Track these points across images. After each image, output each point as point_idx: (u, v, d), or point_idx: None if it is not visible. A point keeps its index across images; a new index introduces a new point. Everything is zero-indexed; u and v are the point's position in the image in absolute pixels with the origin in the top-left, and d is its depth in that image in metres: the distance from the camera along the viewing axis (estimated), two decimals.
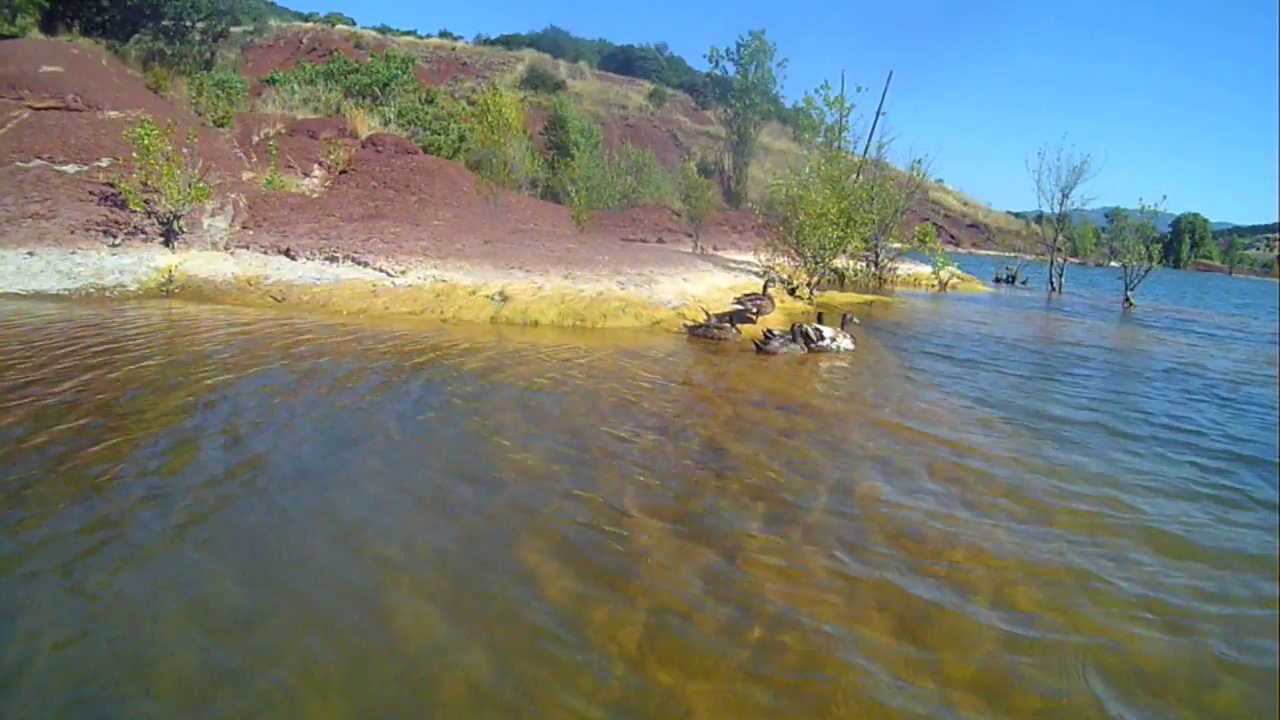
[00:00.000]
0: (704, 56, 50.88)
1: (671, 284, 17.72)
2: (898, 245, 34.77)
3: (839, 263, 28.04)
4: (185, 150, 17.14)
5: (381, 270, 16.52)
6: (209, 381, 9.38)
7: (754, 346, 14.62)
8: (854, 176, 27.91)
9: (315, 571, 5.21)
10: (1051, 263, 40.25)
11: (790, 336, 14.77)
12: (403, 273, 16.45)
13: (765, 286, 16.70)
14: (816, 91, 30.78)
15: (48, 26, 26.08)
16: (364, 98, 36.48)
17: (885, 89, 41.11)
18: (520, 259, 17.70)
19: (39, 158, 17.52)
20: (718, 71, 48.83)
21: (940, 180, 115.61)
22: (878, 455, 8.51)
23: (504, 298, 15.64)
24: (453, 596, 5.02)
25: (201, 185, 16.92)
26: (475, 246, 18.50)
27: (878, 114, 37.16)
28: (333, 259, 16.84)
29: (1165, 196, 34.75)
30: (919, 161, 34.95)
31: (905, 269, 35.76)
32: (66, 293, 14.50)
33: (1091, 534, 6.73)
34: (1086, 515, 7.16)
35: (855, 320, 16.06)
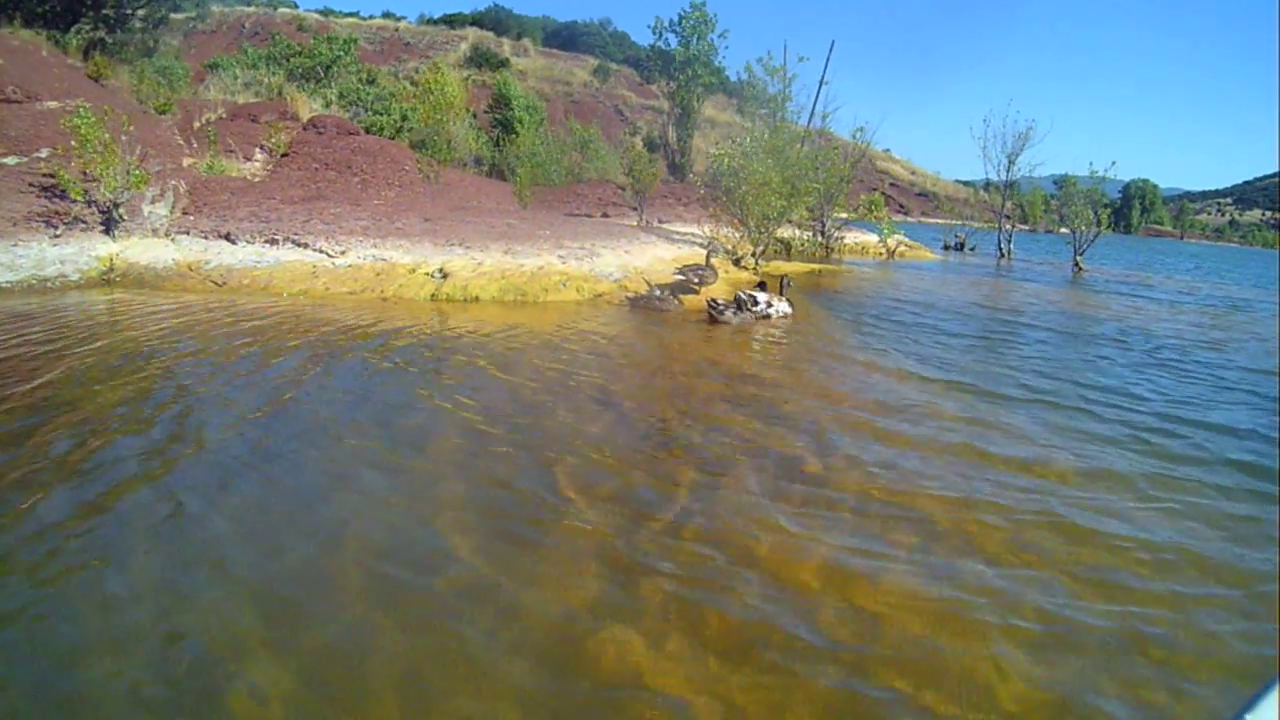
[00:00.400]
0: (648, 27, 50.56)
1: (613, 256, 17.73)
2: (844, 215, 34.80)
3: (785, 232, 28.21)
4: (124, 138, 16.91)
5: (321, 251, 16.36)
6: (147, 372, 9.18)
7: (707, 316, 14.69)
8: (798, 146, 27.94)
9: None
10: (1000, 229, 40.63)
11: (737, 305, 14.83)
12: (343, 253, 16.31)
13: (708, 257, 16.72)
14: (758, 61, 30.82)
15: None
16: (307, 80, 36.24)
17: (828, 58, 41.43)
18: (461, 235, 17.63)
19: None
20: (660, 44, 48.36)
21: (888, 150, 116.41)
22: (813, 421, 8.51)
23: (444, 275, 15.55)
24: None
25: (139, 172, 16.63)
26: (415, 225, 18.42)
27: (820, 83, 37.21)
28: (273, 241, 16.65)
29: (1114, 163, 34.98)
30: (861, 130, 34.95)
31: (852, 238, 35.83)
32: (9, 285, 14.21)
33: (1025, 474, 7.03)
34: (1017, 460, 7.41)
35: (791, 285, 16.18)
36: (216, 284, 15.21)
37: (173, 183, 18.62)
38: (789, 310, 15.44)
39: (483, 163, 37.06)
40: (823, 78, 37.73)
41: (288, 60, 38.78)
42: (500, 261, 16.23)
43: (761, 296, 15.17)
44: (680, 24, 46.80)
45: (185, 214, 18.06)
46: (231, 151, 24.29)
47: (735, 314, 14.71)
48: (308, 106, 30.09)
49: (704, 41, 46.64)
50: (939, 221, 56.44)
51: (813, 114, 35.29)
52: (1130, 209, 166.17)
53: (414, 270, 15.75)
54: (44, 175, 16.77)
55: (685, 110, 48.35)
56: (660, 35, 48.27)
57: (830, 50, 39.70)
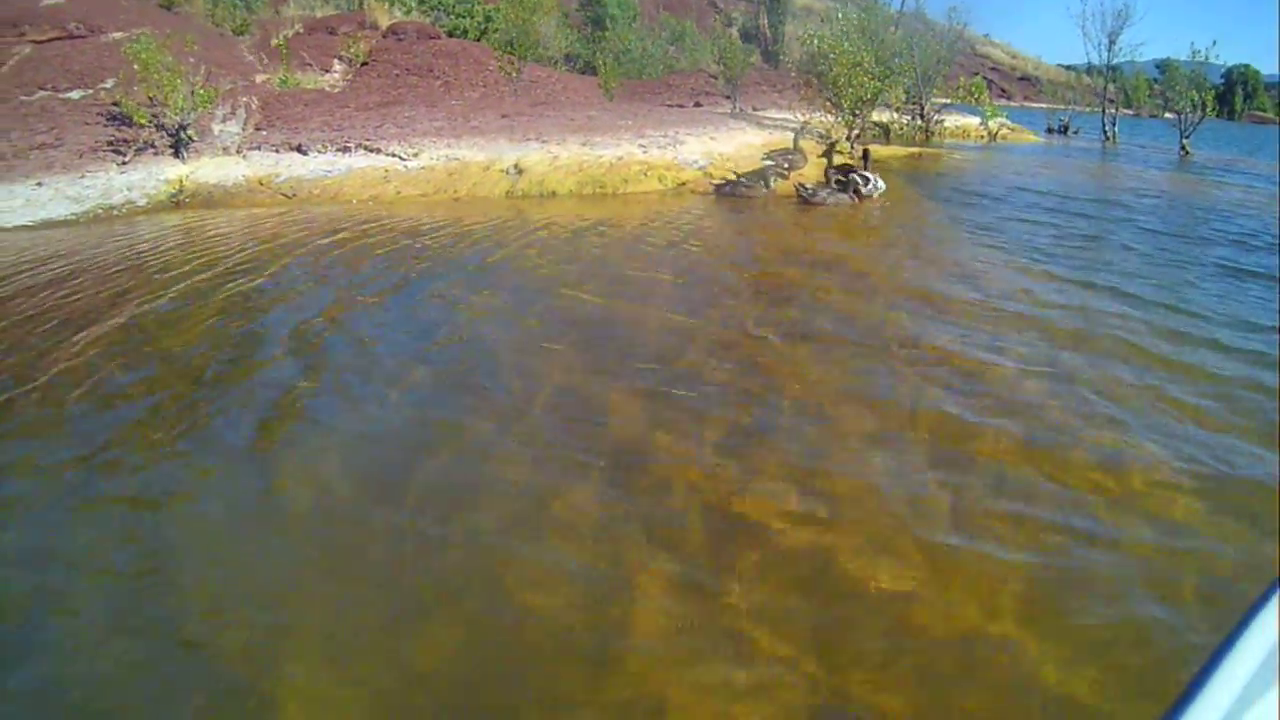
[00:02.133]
0: None
1: (698, 144, 17.02)
2: (944, 99, 33.68)
3: (883, 116, 27.46)
4: (191, 60, 16.54)
5: (394, 155, 15.87)
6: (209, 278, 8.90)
7: (798, 200, 14.17)
8: (891, 29, 27.13)
9: None
10: (1104, 112, 39.26)
11: (830, 188, 14.29)
12: (415, 155, 15.78)
13: (795, 140, 16.12)
14: None
15: None
16: None
17: None
18: (538, 130, 17.05)
19: (42, 89, 16.96)
20: None
21: (987, 34, 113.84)
22: (905, 309, 7.99)
23: (519, 171, 14.99)
24: None
25: (204, 91, 16.24)
26: (492, 122, 17.88)
27: None
28: (345, 149, 16.20)
29: (1215, 43, 33.72)
30: (955, 9, 33.97)
31: (953, 121, 34.48)
32: (74, 217, 13.87)
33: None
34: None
35: (872, 156, 15.64)
36: (286, 196, 14.84)
37: (244, 99, 18.30)
38: (883, 187, 14.75)
39: (574, 60, 36.27)
40: None
41: None
42: (578, 154, 15.60)
43: (852, 176, 14.51)
44: None
45: (258, 129, 17.72)
46: (308, 65, 23.98)
47: (830, 195, 14.14)
48: (388, 14, 29.65)
49: None
50: (1042, 106, 54.87)
51: None
52: (1233, 95, 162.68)
53: (488, 168, 15.18)
54: (110, 105, 16.47)
55: None
56: None
57: None
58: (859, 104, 20.56)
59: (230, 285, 8.58)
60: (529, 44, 26.44)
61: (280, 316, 7.52)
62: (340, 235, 11.11)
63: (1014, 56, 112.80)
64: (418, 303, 8.02)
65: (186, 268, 9.28)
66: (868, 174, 14.76)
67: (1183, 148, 33.63)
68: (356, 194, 14.69)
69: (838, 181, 14.71)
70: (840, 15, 23.35)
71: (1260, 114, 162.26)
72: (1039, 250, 10.84)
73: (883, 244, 11.22)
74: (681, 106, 28.30)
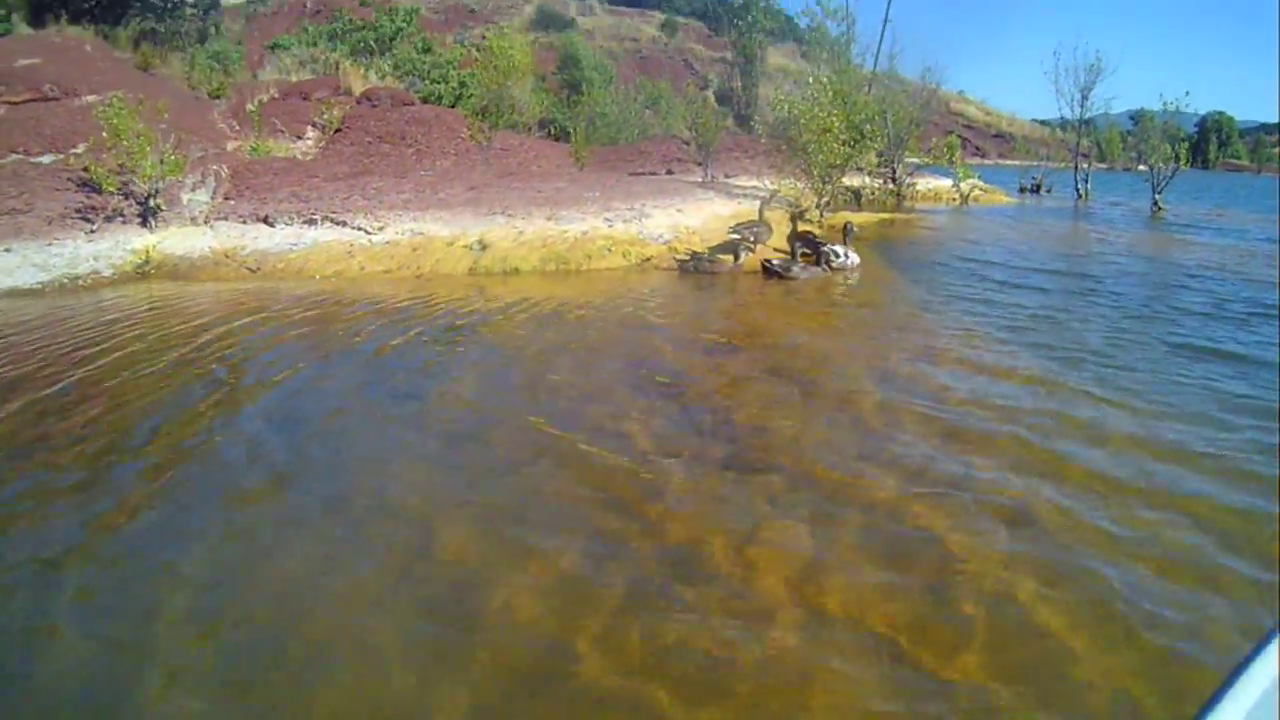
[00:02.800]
0: None
1: (664, 216, 16.97)
2: (915, 160, 33.76)
3: (854, 181, 27.34)
4: (162, 126, 16.51)
5: (359, 228, 15.83)
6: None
7: (765, 274, 14.34)
8: (865, 90, 27.25)
9: None
10: (1076, 169, 39.58)
11: (799, 263, 14.38)
12: (380, 229, 15.75)
13: (761, 211, 16.08)
14: (817, 3, 30.09)
15: (36, 20, 25.78)
16: (370, 55, 36.14)
17: None
18: (504, 203, 16.96)
19: (14, 152, 16.94)
20: None
21: (961, 91, 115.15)
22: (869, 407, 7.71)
23: (483, 246, 14.96)
24: None
25: (173, 159, 16.13)
26: (459, 195, 17.82)
27: (884, 22, 36.62)
28: (311, 221, 16.14)
29: (1188, 93, 34.23)
30: (929, 70, 34.54)
31: (925, 183, 34.77)
32: (41, 286, 13.76)
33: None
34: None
35: (855, 231, 15.80)
36: (250, 270, 14.74)
37: (214, 168, 18.26)
38: (857, 260, 14.96)
39: (549, 125, 36.46)
40: (886, 16, 37.11)
41: (349, 35, 38.78)
42: (542, 229, 15.59)
43: (824, 249, 14.75)
44: None
45: (227, 199, 17.66)
46: (280, 131, 24.03)
47: (801, 269, 14.22)
48: (361, 80, 29.75)
49: None
50: (1016, 163, 55.24)
51: (878, 55, 34.62)
52: (1207, 143, 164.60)
53: (452, 243, 15.16)
54: (80, 171, 16.43)
55: (748, 58, 47.60)
56: None
57: None
58: (829, 170, 20.52)
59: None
60: (503, 110, 26.54)
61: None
62: (265, 324, 10.97)
63: (988, 113, 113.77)
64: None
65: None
66: (838, 248, 14.90)
67: (1155, 203, 33.90)
68: (320, 269, 14.59)
69: (803, 254, 14.79)
70: (810, 79, 23.41)
71: (1235, 161, 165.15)
72: (1002, 335, 10.61)
73: (840, 330, 10.94)
74: (654, 174, 28.31)
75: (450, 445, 6.71)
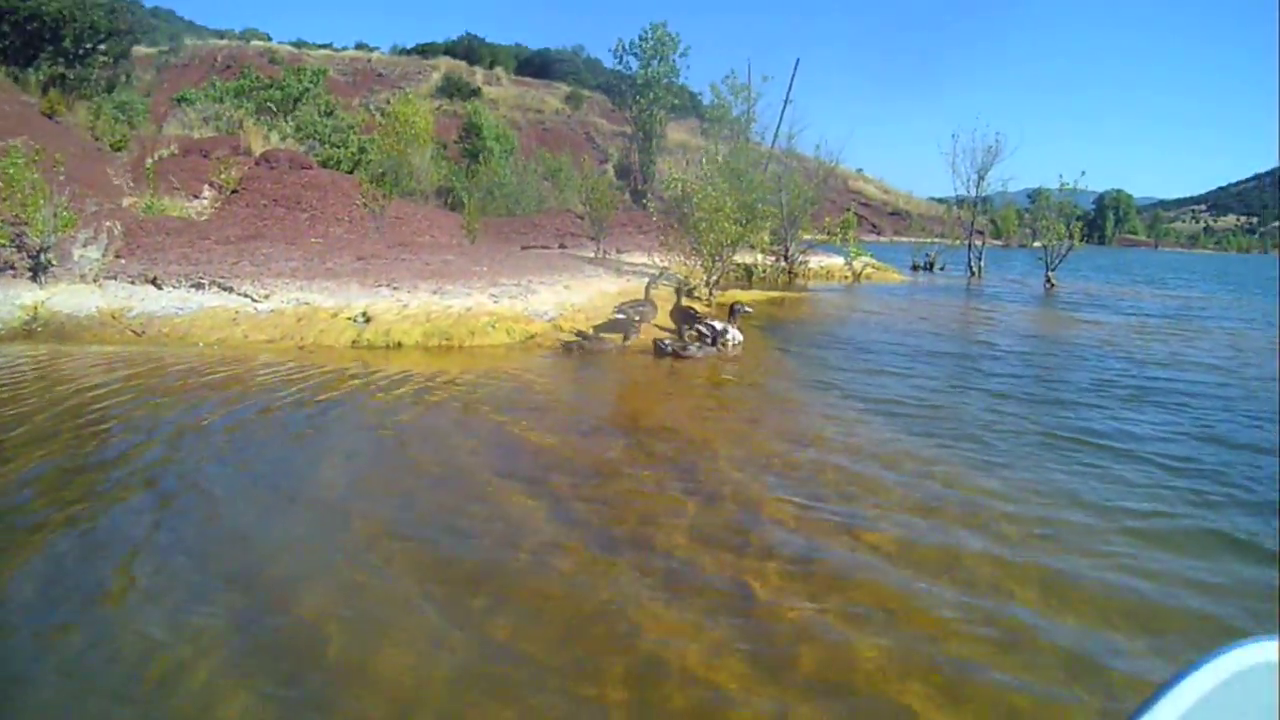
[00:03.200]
0: (609, 50, 50.06)
1: (550, 293, 16.96)
2: (809, 237, 34.17)
3: (747, 258, 27.65)
4: (60, 178, 16.38)
5: (245, 295, 15.64)
6: None
7: (656, 352, 14.47)
8: (762, 169, 27.52)
9: None
10: (970, 246, 40.55)
11: (685, 341, 14.59)
12: (266, 297, 15.57)
13: (647, 290, 16.20)
14: (723, 81, 30.42)
15: None
16: (275, 114, 35.97)
17: (792, 77, 41.14)
18: (391, 274, 16.89)
19: None
20: (621, 67, 47.88)
21: (860, 170, 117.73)
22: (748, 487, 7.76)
23: (367, 319, 14.82)
24: None
25: (66, 214, 15.99)
26: (348, 264, 17.68)
27: (785, 102, 37.04)
28: (199, 285, 15.94)
29: (1084, 173, 34.91)
30: (825, 148, 34.91)
31: (818, 261, 35.26)
32: None
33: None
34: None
35: (746, 311, 15.76)
36: (136, 334, 14.53)
37: (108, 224, 18.03)
38: (740, 338, 15.10)
39: (447, 194, 36.33)
40: (787, 97, 37.70)
41: (256, 93, 38.60)
42: (427, 303, 15.48)
43: (714, 326, 14.95)
44: (640, 45, 46.11)
45: (118, 257, 17.38)
46: (177, 189, 23.88)
47: (697, 348, 14.45)
48: (261, 140, 29.64)
49: (665, 63, 45.98)
50: (911, 240, 56.13)
51: (777, 134, 35.00)
52: (1104, 220, 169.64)
53: (336, 315, 15.01)
54: None
55: (646, 134, 47.67)
56: (621, 58, 47.66)
57: (795, 68, 39.80)
58: (719, 249, 20.62)
59: None
60: (401, 177, 26.59)
61: None
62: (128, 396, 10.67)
63: (886, 191, 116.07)
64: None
65: None
66: (717, 324, 15.07)
67: (1048, 280, 34.86)
68: (204, 337, 14.39)
69: (696, 333, 14.96)
70: (704, 158, 23.62)
71: (1131, 236, 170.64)
72: (880, 419, 10.53)
73: (720, 413, 10.85)
74: (546, 248, 28.51)
75: (305, 527, 6.63)
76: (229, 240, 19.01)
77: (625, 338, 15.17)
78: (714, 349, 14.69)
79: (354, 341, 14.29)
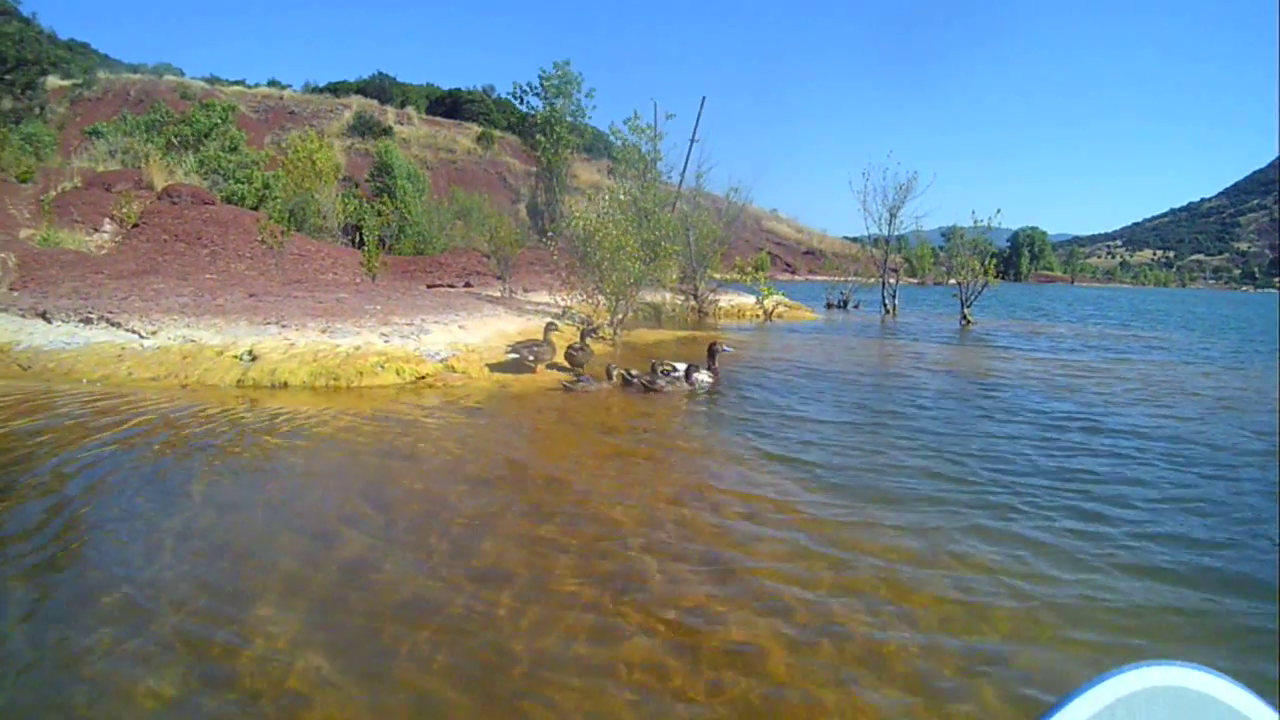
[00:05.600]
0: (507, 93, 49.62)
1: (444, 333, 16.60)
2: (717, 275, 34.23)
3: (655, 297, 27.62)
4: None
5: (133, 331, 15.25)
6: None
7: (645, 388, 14.64)
8: (669, 207, 27.47)
9: None
10: (884, 284, 40.69)
11: (665, 376, 14.89)
12: (154, 333, 15.19)
13: (546, 331, 15.99)
14: (625, 121, 30.36)
15: None
16: (184, 149, 35.70)
17: (699, 115, 40.89)
18: (282, 312, 16.55)
19: None
20: (524, 107, 47.82)
21: (774, 209, 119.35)
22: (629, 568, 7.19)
23: (253, 357, 14.37)
24: None
25: None
26: (238, 301, 17.35)
27: (692, 141, 37.12)
28: (87, 320, 15.57)
29: (999, 210, 35.19)
30: (735, 189, 35.15)
31: (728, 300, 35.38)
32: None
33: None
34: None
35: (727, 349, 16.55)
36: (22, 368, 14.13)
37: (1, 255, 17.76)
38: (709, 381, 15.24)
39: (354, 232, 36.09)
40: (694, 135, 37.60)
41: (166, 127, 38.36)
42: (315, 341, 15.08)
43: (677, 367, 15.31)
44: (542, 84, 46.06)
45: (12, 290, 17.21)
46: (78, 222, 23.60)
47: (669, 383, 14.85)
48: (165, 175, 29.36)
49: (569, 101, 45.94)
50: (825, 279, 56.53)
51: (684, 173, 35.03)
52: (1019, 256, 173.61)
53: (222, 352, 14.57)
54: None
55: (552, 172, 47.52)
56: (521, 99, 47.58)
57: (701, 107, 39.59)
58: (622, 288, 20.51)
59: None
60: (307, 214, 26.43)
61: None
62: None
63: (800, 230, 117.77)
64: None
65: None
66: (679, 365, 15.41)
67: (964, 317, 35.31)
68: (89, 373, 13.94)
69: (671, 367, 15.22)
70: (608, 196, 23.57)
71: (1047, 272, 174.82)
72: (778, 467, 10.03)
73: (613, 460, 10.21)
74: (452, 286, 28.32)
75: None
76: (122, 275, 18.74)
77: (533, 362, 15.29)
78: (685, 385, 14.91)
79: (239, 380, 13.84)
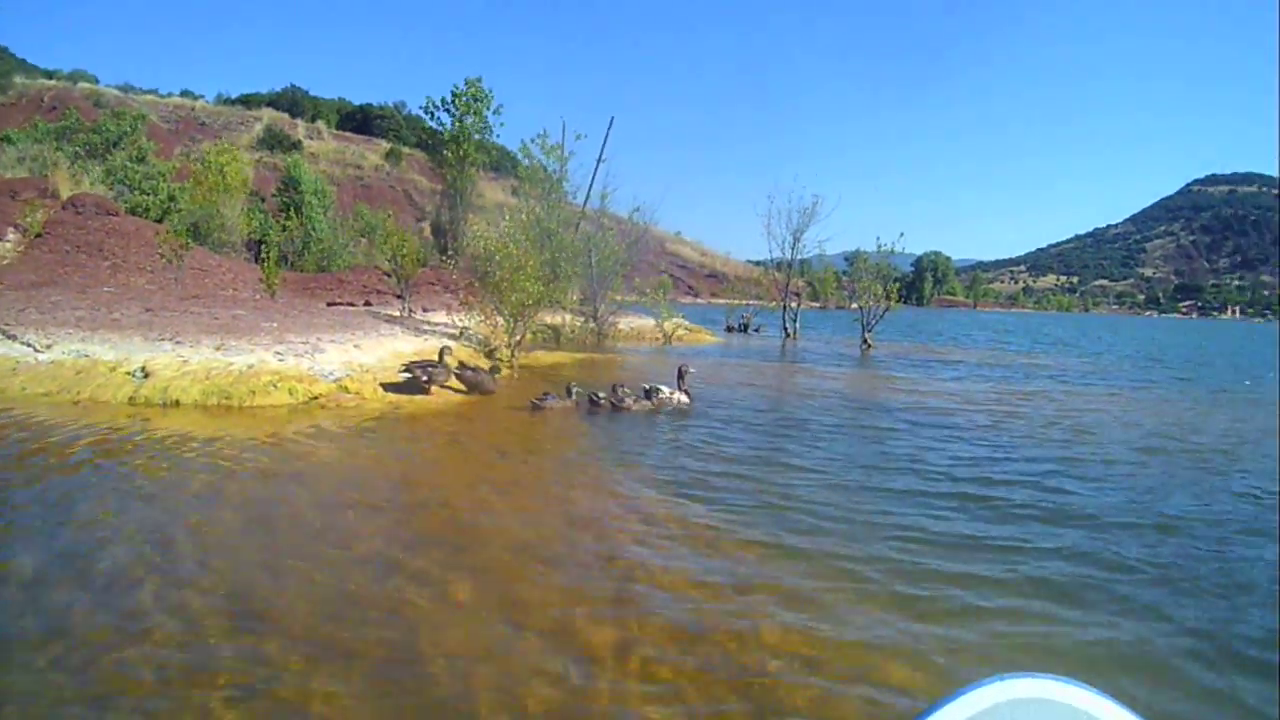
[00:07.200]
0: (420, 108, 49.12)
1: (339, 352, 16.57)
2: (619, 297, 34.30)
3: (554, 318, 27.94)
4: None
5: (28, 345, 15.18)
6: None
7: (611, 407, 15.24)
8: (575, 227, 27.63)
9: None
10: (784, 308, 41.46)
11: (633, 395, 15.54)
12: (48, 347, 15.11)
13: (441, 354, 16.02)
14: (533, 141, 30.50)
15: None
16: (93, 157, 35.44)
17: (606, 136, 41.20)
18: (177, 328, 16.49)
19: None
20: (431, 123, 47.36)
21: (678, 232, 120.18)
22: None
23: (145, 374, 14.25)
24: None
25: None
26: (134, 315, 17.28)
27: (598, 161, 37.34)
28: None
29: (903, 235, 35.90)
30: (638, 210, 35.61)
31: (627, 322, 35.62)
32: None
33: None
34: None
35: (693, 371, 16.99)
36: None
37: None
38: (685, 400, 16.09)
39: (258, 247, 35.71)
40: (600, 155, 37.90)
41: (75, 136, 38.03)
42: (208, 359, 14.96)
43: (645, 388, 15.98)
44: (453, 101, 45.77)
45: None
46: None
47: (635, 400, 15.51)
48: (71, 184, 29.16)
49: (479, 119, 45.71)
50: (727, 302, 56.76)
51: (589, 193, 35.22)
52: (923, 281, 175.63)
53: (115, 368, 14.43)
54: None
55: (458, 190, 47.08)
56: (432, 114, 47.20)
57: (609, 127, 40.10)
58: (521, 309, 20.48)
59: None
60: (212, 228, 26.37)
61: None
62: None
63: (703, 254, 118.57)
64: None
65: None
66: (663, 386, 16.01)
67: (865, 341, 35.96)
68: None
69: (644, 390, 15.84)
70: (507, 216, 23.74)
71: (950, 297, 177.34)
72: (671, 494, 9.85)
73: (507, 485, 10.07)
74: (352, 305, 28.36)
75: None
76: (21, 286, 18.67)
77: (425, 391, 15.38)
78: (648, 402, 15.50)
79: (131, 398, 13.69)
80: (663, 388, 15.83)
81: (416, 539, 7.90)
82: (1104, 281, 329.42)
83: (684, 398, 15.95)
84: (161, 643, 5.47)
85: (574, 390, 15.66)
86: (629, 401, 15.09)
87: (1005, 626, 6.32)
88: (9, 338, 15.49)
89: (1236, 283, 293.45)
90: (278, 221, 38.98)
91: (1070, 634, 6.25)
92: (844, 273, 46.52)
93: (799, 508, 9.34)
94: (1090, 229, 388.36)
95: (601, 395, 15.31)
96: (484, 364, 18.11)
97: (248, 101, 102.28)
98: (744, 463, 11.73)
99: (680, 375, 16.30)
